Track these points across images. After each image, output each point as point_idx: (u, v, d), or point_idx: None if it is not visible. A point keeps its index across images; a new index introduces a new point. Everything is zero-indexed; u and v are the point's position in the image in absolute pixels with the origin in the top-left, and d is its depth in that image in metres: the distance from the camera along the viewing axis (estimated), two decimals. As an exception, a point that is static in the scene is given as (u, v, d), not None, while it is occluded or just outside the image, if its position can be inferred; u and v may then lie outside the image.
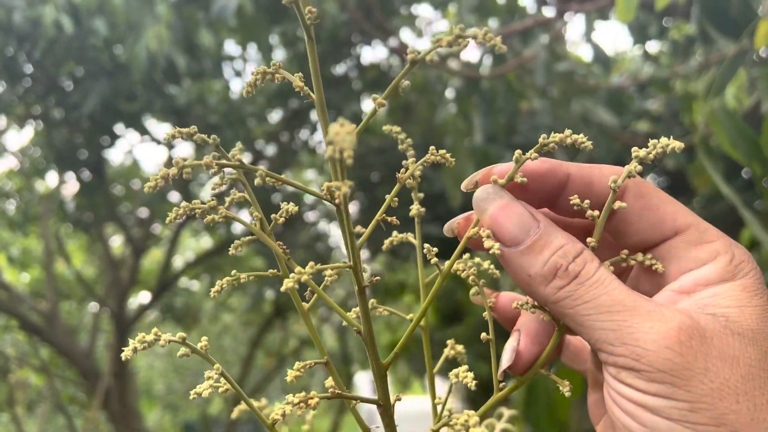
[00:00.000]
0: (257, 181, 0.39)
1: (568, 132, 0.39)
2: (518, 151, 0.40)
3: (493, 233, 0.38)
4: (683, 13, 2.00)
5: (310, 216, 5.52)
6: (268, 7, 2.06)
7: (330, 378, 0.43)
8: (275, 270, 0.44)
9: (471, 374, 0.42)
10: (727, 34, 1.61)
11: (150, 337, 0.39)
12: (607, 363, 0.35)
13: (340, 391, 0.42)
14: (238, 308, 6.57)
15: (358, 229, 0.45)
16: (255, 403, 0.43)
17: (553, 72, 2.04)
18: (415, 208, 0.46)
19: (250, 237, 0.43)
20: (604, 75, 3.31)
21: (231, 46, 3.91)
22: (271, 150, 4.79)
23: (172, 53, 2.58)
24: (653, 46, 3.61)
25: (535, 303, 0.39)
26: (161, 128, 4.81)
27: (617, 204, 0.37)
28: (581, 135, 0.39)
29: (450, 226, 0.43)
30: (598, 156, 2.95)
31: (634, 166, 0.37)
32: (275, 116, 4.63)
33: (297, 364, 0.42)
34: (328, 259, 5.22)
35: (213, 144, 0.40)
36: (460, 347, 0.49)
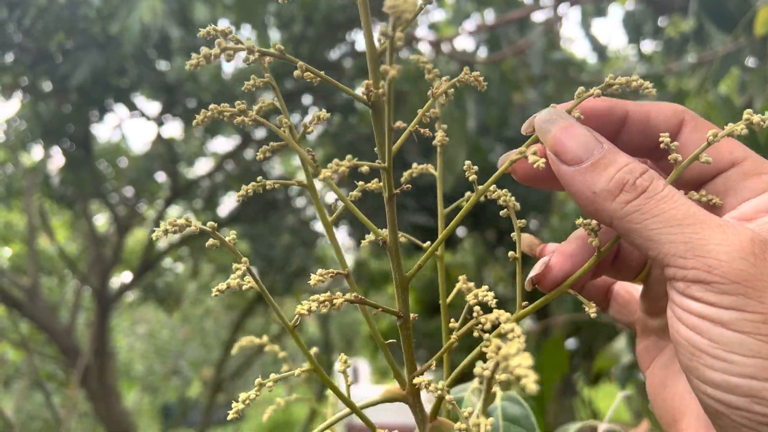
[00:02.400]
0: (297, 72, 0.39)
1: (635, 76, 0.40)
2: (581, 88, 0.40)
3: (556, 154, 0.38)
4: (681, 8, 2.00)
5: (298, 202, 5.50)
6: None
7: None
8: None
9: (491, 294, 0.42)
10: (723, 29, 1.61)
11: (181, 221, 0.39)
12: (675, 278, 0.34)
13: (362, 297, 0.43)
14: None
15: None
16: (277, 306, 0.43)
17: (548, 60, 2.04)
18: (440, 135, 0.45)
19: (280, 143, 0.43)
20: (599, 70, 3.33)
21: (224, 25, 3.87)
22: (260, 133, 4.76)
23: (166, 26, 2.55)
24: (647, 46, 3.62)
25: (592, 225, 0.39)
26: (150, 106, 4.77)
27: (703, 157, 0.37)
28: (647, 81, 0.39)
29: (503, 160, 0.43)
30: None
31: (740, 127, 0.37)
32: (267, 98, 4.59)
33: (320, 271, 0.42)
34: (313, 245, 5.21)
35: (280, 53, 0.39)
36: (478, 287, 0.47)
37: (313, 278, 0.41)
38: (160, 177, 4.83)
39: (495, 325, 0.36)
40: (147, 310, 7.12)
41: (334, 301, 0.40)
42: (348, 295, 0.41)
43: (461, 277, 0.49)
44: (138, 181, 4.62)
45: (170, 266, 6.02)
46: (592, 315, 0.39)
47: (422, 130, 0.45)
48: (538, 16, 2.45)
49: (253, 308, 5.65)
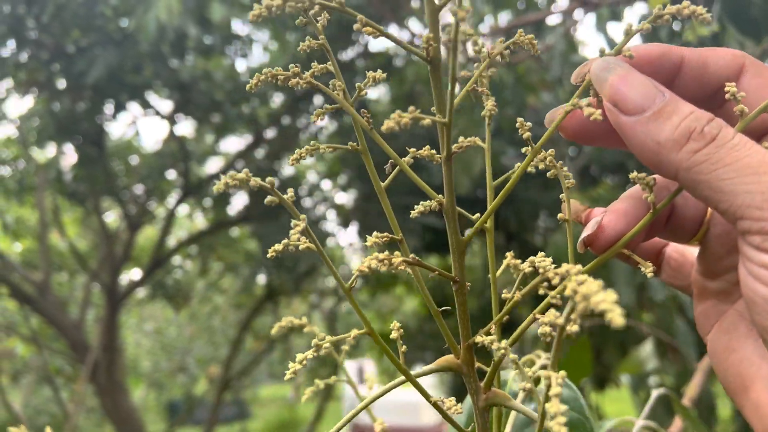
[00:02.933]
0: (356, 26, 0.38)
1: (686, 3, 0.36)
2: (629, 23, 0.37)
3: (615, 103, 0.35)
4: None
5: (307, 202, 5.51)
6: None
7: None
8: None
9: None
10: (747, 34, 1.61)
11: (241, 176, 0.39)
12: (750, 232, 0.32)
13: (419, 259, 0.42)
14: (230, 290, 6.56)
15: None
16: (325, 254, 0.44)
17: (568, 63, 2.04)
18: (490, 104, 0.45)
19: (334, 105, 0.43)
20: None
21: (238, 25, 3.89)
22: (271, 133, 4.77)
23: (183, 24, 2.56)
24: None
25: (647, 180, 0.37)
26: (163, 104, 4.79)
27: None
28: (700, 6, 0.36)
29: (551, 117, 0.40)
30: (608, 153, 2.95)
31: None
32: (277, 99, 4.62)
33: (375, 233, 0.42)
34: (323, 243, 5.22)
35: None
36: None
37: (369, 240, 0.42)
38: (171, 175, 4.85)
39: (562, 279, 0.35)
40: (155, 308, 7.15)
41: (393, 260, 0.39)
42: (406, 257, 0.41)
43: (509, 254, 0.48)
44: (149, 179, 4.64)
45: (179, 264, 6.04)
46: (649, 275, 0.38)
47: (480, 89, 0.45)
48: (554, 20, 2.45)
49: (262, 307, 5.67)
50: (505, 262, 0.47)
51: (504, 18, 3.42)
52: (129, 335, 7.33)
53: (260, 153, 4.86)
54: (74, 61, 3.34)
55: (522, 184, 4.83)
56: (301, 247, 0.40)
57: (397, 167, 0.45)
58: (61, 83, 3.81)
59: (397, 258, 0.40)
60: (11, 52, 3.56)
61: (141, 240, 5.90)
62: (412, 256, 0.42)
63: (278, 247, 0.41)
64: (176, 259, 5.82)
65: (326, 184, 5.87)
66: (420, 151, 0.46)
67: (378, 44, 4.69)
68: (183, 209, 5.47)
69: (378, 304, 6.60)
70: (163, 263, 5.04)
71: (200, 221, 6.37)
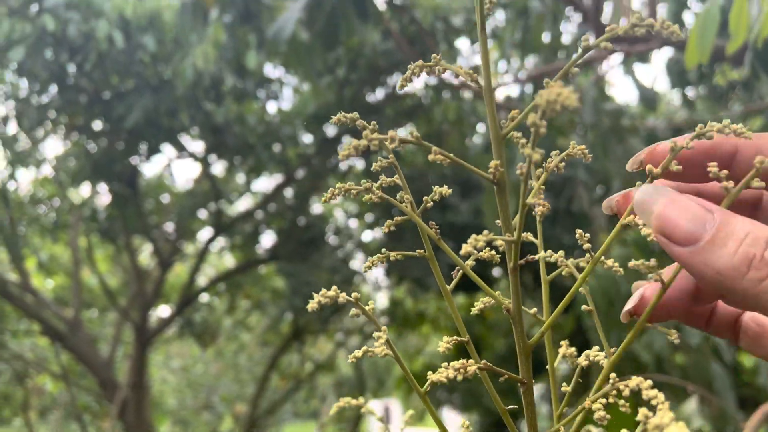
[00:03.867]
0: (430, 157, 0.41)
1: (726, 122, 0.37)
2: (673, 141, 0.38)
3: (665, 235, 0.35)
4: (733, 60, 2.01)
5: (332, 240, 5.54)
6: (322, 33, 2.10)
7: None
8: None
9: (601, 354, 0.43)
10: (779, 82, 1.62)
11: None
12: None
13: (489, 364, 0.44)
14: (257, 327, 6.57)
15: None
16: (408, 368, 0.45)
17: (600, 110, 2.06)
18: (540, 203, 0.47)
19: (403, 217, 0.46)
20: (642, 115, 3.33)
21: (269, 68, 3.98)
22: (301, 172, 4.84)
23: (221, 72, 2.64)
24: (691, 91, 3.62)
25: (650, 264, 0.37)
26: (195, 144, 4.89)
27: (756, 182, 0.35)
28: (740, 125, 0.37)
29: (609, 204, 0.41)
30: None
31: None
32: (307, 140, 4.69)
33: (445, 338, 0.44)
34: (350, 282, 5.22)
35: (372, 129, 0.42)
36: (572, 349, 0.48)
37: (441, 345, 0.43)
38: (203, 214, 4.93)
39: (634, 392, 0.36)
40: (181, 344, 7.17)
41: (468, 368, 0.41)
42: (477, 364, 0.42)
43: (563, 343, 0.49)
44: (181, 218, 4.71)
45: (207, 301, 6.09)
46: (675, 341, 0.39)
47: (539, 204, 0.47)
48: (583, 63, 2.48)
49: (288, 345, 5.66)
50: (560, 352, 0.49)
51: (531, 61, 3.46)
52: (155, 372, 7.36)
53: (290, 192, 4.93)
54: (112, 106, 3.44)
55: (548, 222, 4.82)
56: (380, 354, 0.42)
57: (461, 271, 0.47)
58: (98, 125, 3.92)
59: (472, 366, 0.41)
60: (52, 96, 3.69)
61: (170, 277, 5.97)
62: (484, 362, 0.44)
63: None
64: (204, 297, 5.87)
65: (353, 223, 5.91)
66: (481, 253, 0.49)
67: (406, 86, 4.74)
68: (212, 247, 5.53)
69: (405, 343, 6.56)
70: (193, 301, 5.08)
71: (229, 259, 6.43)
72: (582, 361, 0.44)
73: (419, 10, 3.60)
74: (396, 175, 0.51)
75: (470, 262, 0.50)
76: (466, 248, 0.39)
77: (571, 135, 3.20)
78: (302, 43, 2.25)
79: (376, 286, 6.31)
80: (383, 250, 0.48)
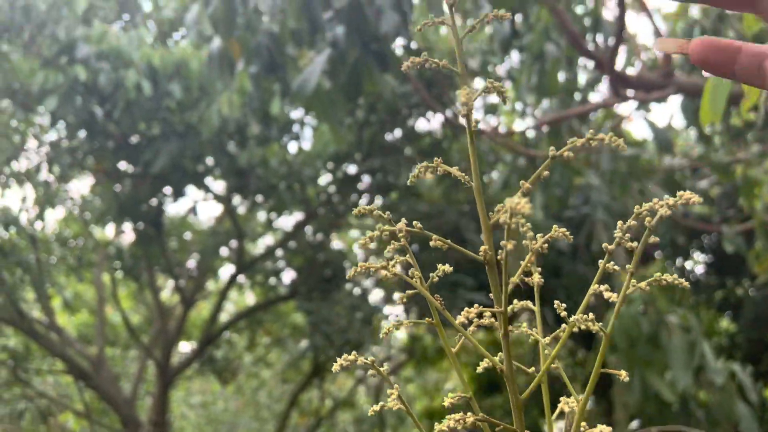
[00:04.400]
0: (432, 243, 0.47)
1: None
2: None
3: None
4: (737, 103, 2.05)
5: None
6: (345, 84, 2.18)
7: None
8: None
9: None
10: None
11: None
12: None
13: (487, 417, 0.48)
14: (277, 364, 6.59)
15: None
16: None
17: (618, 156, 2.11)
18: (536, 277, 0.52)
19: (412, 291, 0.52)
20: (659, 155, 3.36)
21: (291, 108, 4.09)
22: (321, 210, 4.92)
23: (247, 120, 2.73)
24: (707, 127, 3.66)
25: None
26: (218, 184, 4.99)
27: None
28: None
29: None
30: (660, 230, 2.95)
31: None
32: (327, 178, 4.78)
33: (450, 395, 0.49)
34: (370, 319, 5.25)
35: (387, 219, 0.48)
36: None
37: (447, 400, 0.48)
38: (225, 252, 5.00)
39: None
40: (202, 380, 7.20)
41: (467, 419, 0.46)
42: (474, 416, 0.47)
43: (563, 399, 0.53)
44: (203, 256, 4.79)
45: (227, 338, 6.13)
46: (624, 380, 0.42)
47: (526, 279, 0.52)
48: (601, 109, 2.53)
49: (308, 382, 5.67)
50: (559, 407, 0.53)
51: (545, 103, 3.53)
52: (176, 408, 7.38)
53: (310, 229, 5.00)
54: (140, 150, 3.54)
55: (569, 258, 4.83)
56: (393, 408, 0.47)
57: (465, 333, 0.52)
58: (128, 168, 4.04)
59: (471, 417, 0.46)
60: (81, 141, 3.81)
61: (192, 314, 6.03)
62: (481, 414, 0.49)
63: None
64: (225, 333, 5.91)
65: (372, 259, 5.96)
66: (482, 320, 0.54)
67: (423, 125, 4.85)
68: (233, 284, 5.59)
69: (423, 379, 6.53)
70: (215, 339, 5.13)
71: (249, 296, 6.49)
72: (564, 407, 0.49)
73: (435, 53, 3.70)
74: (407, 254, 0.56)
75: (472, 329, 0.55)
76: (460, 319, 0.44)
77: (588, 174, 3.25)
78: (326, 93, 2.33)
79: (396, 323, 6.31)
80: (396, 317, 0.53)
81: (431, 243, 0.52)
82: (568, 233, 0.53)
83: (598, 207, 2.85)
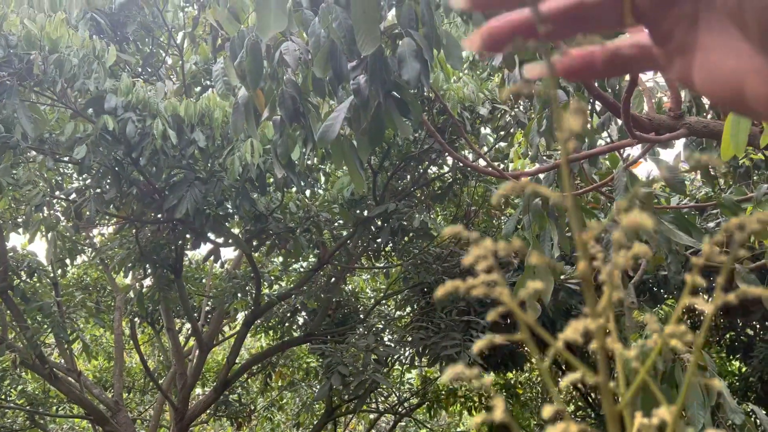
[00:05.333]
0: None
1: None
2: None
3: None
4: (752, 142, 2.15)
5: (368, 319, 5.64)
6: (367, 131, 2.30)
7: None
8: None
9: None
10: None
11: None
12: None
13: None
14: (290, 407, 6.59)
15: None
16: None
17: (633, 194, 2.20)
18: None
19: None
20: (669, 196, 3.46)
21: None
22: (335, 253, 5.01)
23: (269, 167, 2.84)
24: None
25: None
26: (238, 230, 5.10)
27: None
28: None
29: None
30: (667, 272, 3.01)
31: None
32: (342, 222, 4.89)
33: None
34: (384, 361, 5.27)
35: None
36: None
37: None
38: (242, 295, 5.08)
39: None
40: (216, 425, 7.19)
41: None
42: None
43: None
44: (221, 300, 4.87)
45: (241, 382, 6.15)
46: None
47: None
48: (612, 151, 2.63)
49: (323, 425, 5.66)
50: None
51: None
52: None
53: (324, 272, 5.09)
54: (163, 197, 3.67)
55: (577, 297, 4.88)
56: None
57: None
58: (152, 214, 4.16)
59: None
60: (106, 188, 3.94)
61: (209, 360, 6.07)
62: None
63: None
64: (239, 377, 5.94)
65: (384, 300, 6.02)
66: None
67: (434, 170, 4.99)
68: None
69: (436, 421, 6.50)
70: (231, 383, 5.17)
71: (264, 339, 6.53)
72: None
73: (448, 101, 3.84)
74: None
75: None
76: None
77: (598, 213, 3.34)
78: (347, 139, 2.45)
79: (409, 365, 6.33)
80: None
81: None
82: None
83: (611, 247, 2.93)
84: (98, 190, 3.85)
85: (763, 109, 0.31)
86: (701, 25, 0.32)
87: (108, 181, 3.84)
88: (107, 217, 4.27)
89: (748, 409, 3.50)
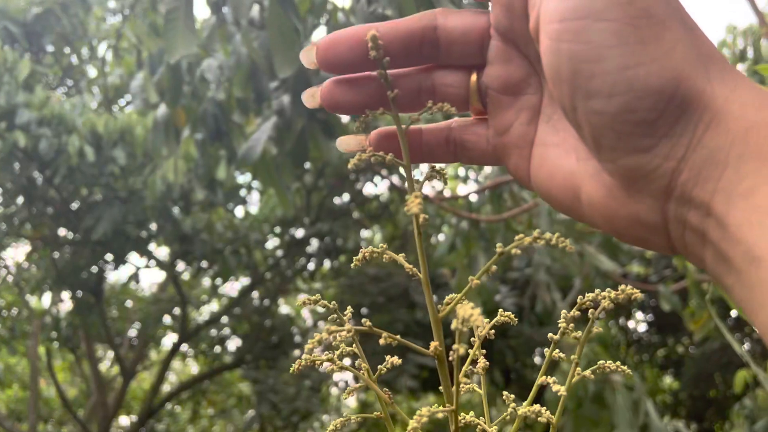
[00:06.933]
0: (381, 341, 0.47)
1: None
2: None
3: None
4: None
5: (299, 341, 5.49)
6: (291, 151, 2.21)
7: None
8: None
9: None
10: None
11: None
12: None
13: None
14: (221, 436, 6.34)
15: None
16: None
17: (554, 220, 2.19)
18: (481, 363, 0.52)
19: (359, 384, 0.52)
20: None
21: (237, 173, 4.09)
22: (268, 274, 4.86)
23: (193, 186, 2.72)
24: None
25: None
26: (161, 251, 4.89)
27: None
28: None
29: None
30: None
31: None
32: (274, 243, 4.75)
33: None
34: (319, 387, 5.14)
35: (333, 308, 0.48)
36: None
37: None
38: (167, 319, 4.86)
39: None
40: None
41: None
42: None
43: None
44: (145, 325, 4.64)
45: (169, 410, 5.88)
46: None
47: (474, 370, 0.53)
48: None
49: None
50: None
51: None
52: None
53: (256, 294, 4.92)
54: (80, 216, 3.47)
55: (516, 317, 4.89)
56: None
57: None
58: (68, 234, 3.93)
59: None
60: (18, 207, 3.71)
61: (132, 386, 5.79)
62: None
63: None
64: (166, 405, 5.68)
65: (321, 324, 5.89)
66: (441, 409, 0.54)
67: (371, 189, 4.92)
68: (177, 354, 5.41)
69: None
70: (157, 411, 4.92)
71: (193, 365, 6.28)
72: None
73: (381, 122, 3.80)
74: (354, 344, 0.57)
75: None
76: (412, 424, 0.43)
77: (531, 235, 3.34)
78: (272, 159, 2.35)
79: (345, 390, 6.21)
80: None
81: (381, 341, 0.52)
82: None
83: (540, 268, 2.92)
84: (10, 209, 3.62)
85: (598, 218, 0.29)
86: (542, 119, 0.31)
87: (20, 200, 3.61)
88: (20, 237, 4.01)
89: (677, 428, 3.55)
